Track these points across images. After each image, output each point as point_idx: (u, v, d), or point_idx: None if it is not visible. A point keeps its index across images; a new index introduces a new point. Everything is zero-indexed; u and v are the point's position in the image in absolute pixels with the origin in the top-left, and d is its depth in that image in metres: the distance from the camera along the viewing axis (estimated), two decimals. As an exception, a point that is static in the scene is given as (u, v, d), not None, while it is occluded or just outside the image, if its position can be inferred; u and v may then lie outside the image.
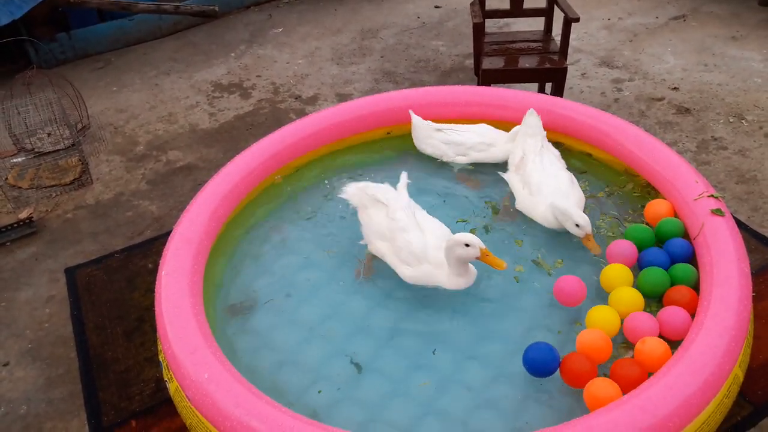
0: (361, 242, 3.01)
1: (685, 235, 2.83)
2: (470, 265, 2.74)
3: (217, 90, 5.10)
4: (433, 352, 2.57)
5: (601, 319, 2.49)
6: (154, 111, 4.89)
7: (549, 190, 2.97)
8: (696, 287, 2.61)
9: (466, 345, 2.61)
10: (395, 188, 3.02)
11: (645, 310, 2.56)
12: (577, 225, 2.81)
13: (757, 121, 4.07)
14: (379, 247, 2.88)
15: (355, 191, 3.04)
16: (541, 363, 2.32)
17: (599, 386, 2.22)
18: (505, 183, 3.27)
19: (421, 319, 2.74)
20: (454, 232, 2.79)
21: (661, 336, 2.45)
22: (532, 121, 3.26)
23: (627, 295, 2.56)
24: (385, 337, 2.67)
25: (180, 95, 5.07)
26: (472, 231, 3.08)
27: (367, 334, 2.70)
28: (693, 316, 2.43)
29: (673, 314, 2.45)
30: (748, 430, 2.40)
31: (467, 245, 2.56)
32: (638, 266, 2.76)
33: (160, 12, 5.70)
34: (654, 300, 2.64)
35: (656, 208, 2.96)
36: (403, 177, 3.06)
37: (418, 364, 2.56)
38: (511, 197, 3.20)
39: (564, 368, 2.34)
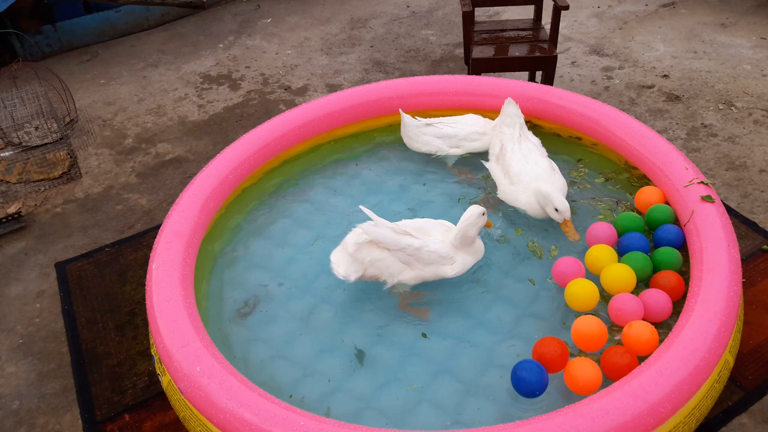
0: (391, 291, 2.78)
1: (675, 221, 2.84)
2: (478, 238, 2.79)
3: (206, 81, 5.06)
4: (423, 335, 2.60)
5: (580, 292, 2.53)
6: (142, 103, 4.85)
7: (529, 178, 2.98)
8: (681, 272, 2.63)
9: (461, 332, 2.62)
10: (369, 221, 2.71)
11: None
12: (556, 210, 2.83)
13: (746, 108, 4.09)
14: (408, 276, 2.69)
15: (349, 260, 2.71)
16: (528, 383, 2.27)
17: (578, 367, 2.27)
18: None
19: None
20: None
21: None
22: (511, 110, 3.26)
23: (618, 272, 2.57)
24: (378, 329, 2.68)
25: (168, 87, 5.03)
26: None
27: (361, 325, 2.70)
28: (684, 297, 2.45)
29: (652, 297, 2.48)
30: (738, 414, 2.42)
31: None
32: (618, 251, 2.78)
33: (146, 3, 5.64)
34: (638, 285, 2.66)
35: (646, 195, 2.97)
36: (365, 209, 2.72)
37: (411, 352, 2.57)
38: (493, 187, 3.21)
39: (538, 355, 2.37)
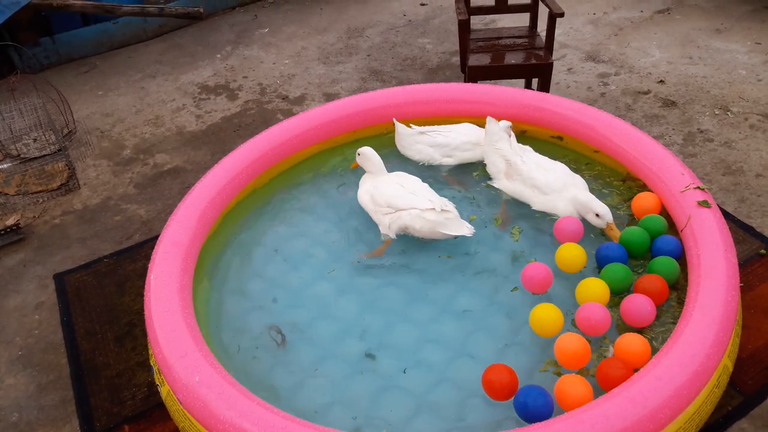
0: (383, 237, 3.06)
1: (670, 230, 2.85)
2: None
3: (204, 92, 5.08)
4: (404, 371, 2.55)
5: (544, 318, 2.51)
6: (140, 114, 4.86)
7: (558, 184, 3.02)
8: (678, 281, 2.63)
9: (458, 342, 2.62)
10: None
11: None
12: (597, 215, 2.86)
13: (742, 113, 4.10)
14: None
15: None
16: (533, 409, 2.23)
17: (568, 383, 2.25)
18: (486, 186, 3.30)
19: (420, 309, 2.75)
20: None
21: (626, 324, 2.52)
22: (494, 129, 3.24)
23: (592, 288, 2.56)
24: (378, 339, 2.68)
25: (166, 98, 5.05)
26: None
27: (360, 335, 2.70)
28: (682, 303, 2.45)
29: (634, 301, 2.48)
30: (738, 420, 2.42)
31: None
32: (597, 262, 2.78)
33: (144, 15, 5.66)
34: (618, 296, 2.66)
35: (642, 201, 2.98)
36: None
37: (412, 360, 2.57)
38: (509, 205, 3.20)
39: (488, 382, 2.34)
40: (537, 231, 3.06)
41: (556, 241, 2.92)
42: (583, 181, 3.10)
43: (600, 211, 2.86)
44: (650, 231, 2.81)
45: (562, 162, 3.21)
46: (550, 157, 3.22)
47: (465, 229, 2.91)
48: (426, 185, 3.10)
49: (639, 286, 2.57)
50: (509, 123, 3.33)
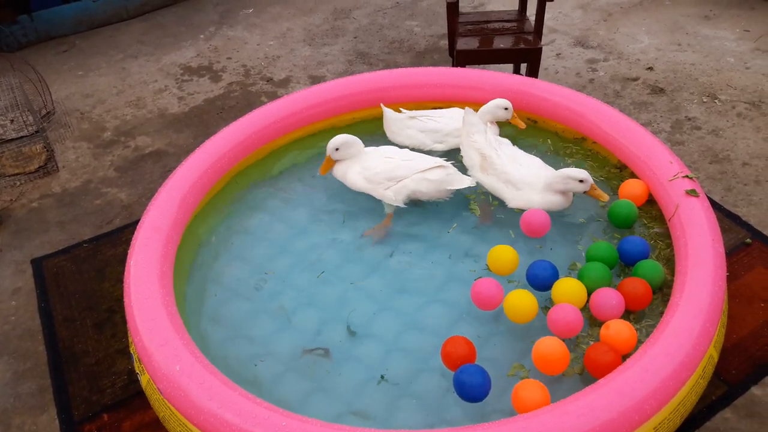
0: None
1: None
2: None
3: (187, 73, 4.98)
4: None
5: (518, 304, 2.49)
6: (121, 95, 4.76)
7: (533, 178, 2.96)
8: (662, 284, 2.61)
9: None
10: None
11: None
12: (580, 181, 2.82)
13: (730, 101, 4.09)
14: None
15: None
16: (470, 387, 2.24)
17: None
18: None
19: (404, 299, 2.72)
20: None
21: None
22: (472, 120, 3.16)
23: (569, 288, 2.52)
24: (364, 328, 2.65)
25: (148, 79, 4.94)
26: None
27: (343, 323, 2.66)
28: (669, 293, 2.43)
29: (603, 296, 2.46)
30: (722, 409, 2.42)
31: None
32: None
33: (125, -8, 5.53)
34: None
35: (631, 188, 2.96)
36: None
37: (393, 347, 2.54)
38: (491, 198, 3.15)
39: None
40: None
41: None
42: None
43: (581, 176, 2.83)
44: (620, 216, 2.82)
45: (538, 151, 3.17)
46: (531, 146, 3.17)
47: (467, 180, 3.03)
48: (406, 149, 3.22)
49: (621, 290, 2.51)
50: (508, 103, 3.27)
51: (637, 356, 2.11)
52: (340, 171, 3.20)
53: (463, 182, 3.02)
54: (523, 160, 3.07)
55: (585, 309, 2.55)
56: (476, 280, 2.62)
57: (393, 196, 3.05)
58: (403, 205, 3.08)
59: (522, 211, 2.96)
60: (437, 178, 2.99)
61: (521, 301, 2.48)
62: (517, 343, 2.51)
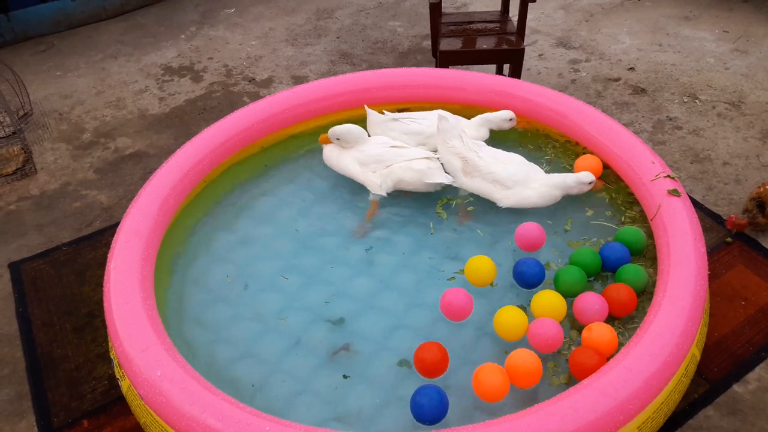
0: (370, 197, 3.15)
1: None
2: None
3: (167, 73, 4.92)
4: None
5: (509, 321, 2.45)
6: (101, 96, 4.69)
7: (521, 174, 2.98)
8: (645, 288, 2.61)
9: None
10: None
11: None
12: (590, 183, 2.97)
13: (710, 101, 4.13)
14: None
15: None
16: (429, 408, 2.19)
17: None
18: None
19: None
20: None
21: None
22: (446, 126, 3.13)
23: (548, 301, 2.50)
24: (349, 330, 2.63)
25: (128, 79, 4.88)
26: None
27: (325, 324, 2.64)
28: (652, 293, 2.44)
29: (586, 300, 2.46)
30: (704, 407, 2.43)
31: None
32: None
33: (105, -8, 5.45)
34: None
35: (586, 162, 3.10)
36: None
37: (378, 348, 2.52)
38: (468, 202, 3.14)
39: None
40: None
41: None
42: (538, 168, 3.09)
43: (587, 179, 2.96)
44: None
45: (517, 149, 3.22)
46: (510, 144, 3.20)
47: (446, 177, 3.06)
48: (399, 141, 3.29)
49: (606, 297, 2.50)
50: (513, 115, 3.32)
51: (621, 356, 2.12)
52: (334, 153, 3.27)
53: (441, 177, 3.05)
54: (505, 157, 3.08)
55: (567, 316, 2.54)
56: (444, 291, 2.58)
57: (379, 182, 3.08)
58: (386, 195, 3.12)
59: (513, 209, 3.01)
60: (421, 168, 3.04)
61: (513, 318, 2.42)
62: (496, 346, 2.51)
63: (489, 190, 3.03)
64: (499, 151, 3.14)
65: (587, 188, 3.00)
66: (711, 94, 4.20)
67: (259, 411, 2.06)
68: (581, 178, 2.96)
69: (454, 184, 3.14)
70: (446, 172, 3.15)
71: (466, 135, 3.17)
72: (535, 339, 2.36)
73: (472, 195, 3.14)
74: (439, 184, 3.08)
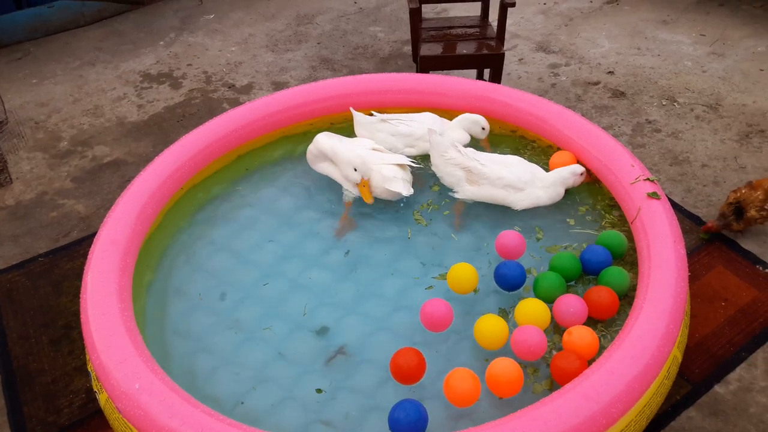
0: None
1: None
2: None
3: (146, 80, 4.87)
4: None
5: (490, 329, 2.43)
6: (78, 104, 4.63)
7: (528, 174, 3.00)
8: (628, 291, 2.62)
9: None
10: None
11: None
12: (581, 174, 3.04)
13: (688, 104, 4.17)
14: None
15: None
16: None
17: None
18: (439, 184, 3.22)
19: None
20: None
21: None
22: (438, 139, 3.10)
23: (532, 308, 2.48)
24: (333, 337, 2.60)
25: (106, 87, 4.82)
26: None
27: (307, 333, 2.62)
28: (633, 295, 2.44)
29: (566, 302, 2.46)
30: (686, 408, 2.44)
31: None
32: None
33: (82, -2, 5.40)
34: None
35: (561, 158, 3.15)
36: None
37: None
38: (467, 207, 3.13)
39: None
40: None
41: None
42: (537, 166, 3.11)
43: (578, 169, 3.02)
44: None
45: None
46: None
47: (408, 190, 2.99)
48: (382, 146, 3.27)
49: (587, 300, 2.51)
50: (486, 123, 3.32)
51: (603, 360, 2.12)
52: (314, 153, 3.27)
53: (402, 188, 2.97)
54: (506, 160, 3.07)
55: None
56: (424, 303, 2.54)
57: (354, 179, 3.04)
58: (357, 193, 3.09)
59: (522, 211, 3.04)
60: (386, 174, 2.99)
61: (493, 327, 2.40)
62: (479, 353, 2.50)
63: (501, 195, 3.00)
64: (495, 154, 3.14)
65: (581, 179, 3.04)
66: (689, 96, 4.24)
67: (239, 422, 2.02)
68: (574, 169, 3.02)
69: (456, 196, 3.11)
70: (446, 185, 3.14)
71: (459, 144, 3.14)
72: (519, 346, 2.35)
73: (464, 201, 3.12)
74: (399, 194, 2.98)
